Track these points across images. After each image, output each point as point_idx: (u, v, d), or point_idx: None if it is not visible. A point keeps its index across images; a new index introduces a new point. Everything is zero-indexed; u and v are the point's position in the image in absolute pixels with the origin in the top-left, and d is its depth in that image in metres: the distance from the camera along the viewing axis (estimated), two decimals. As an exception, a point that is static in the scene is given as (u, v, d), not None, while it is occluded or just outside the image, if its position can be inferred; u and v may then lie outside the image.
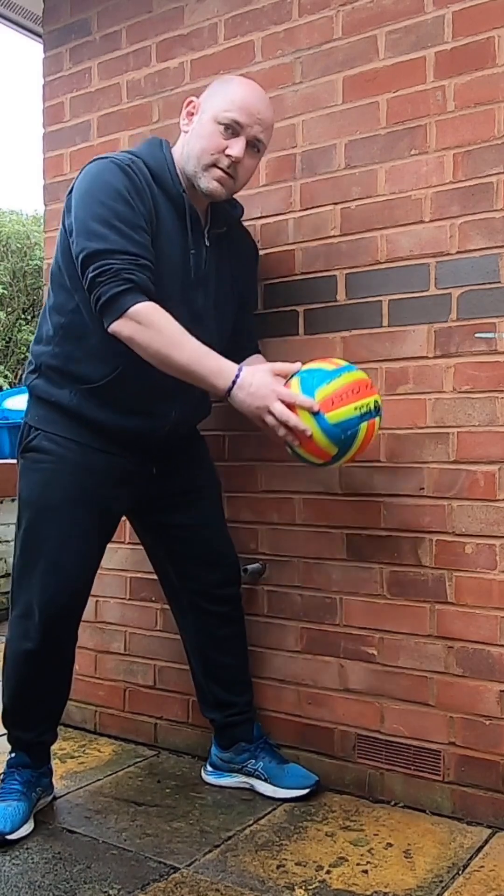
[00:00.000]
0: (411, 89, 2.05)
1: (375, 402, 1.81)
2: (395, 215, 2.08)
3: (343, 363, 1.85)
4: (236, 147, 1.87)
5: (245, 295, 2.14)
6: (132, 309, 1.76)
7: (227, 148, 1.87)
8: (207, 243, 1.98)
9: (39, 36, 2.85)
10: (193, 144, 1.91)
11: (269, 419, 1.76)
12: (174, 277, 1.89)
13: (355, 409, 1.76)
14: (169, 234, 1.90)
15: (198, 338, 1.81)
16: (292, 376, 1.81)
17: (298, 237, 2.21)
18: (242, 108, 1.87)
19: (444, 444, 2.02)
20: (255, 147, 1.91)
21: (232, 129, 1.87)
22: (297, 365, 1.83)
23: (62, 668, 2.06)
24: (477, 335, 1.97)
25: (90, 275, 1.78)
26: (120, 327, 1.78)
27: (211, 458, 2.24)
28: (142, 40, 2.50)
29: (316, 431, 1.75)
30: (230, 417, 2.33)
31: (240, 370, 1.78)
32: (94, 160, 1.91)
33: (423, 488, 2.04)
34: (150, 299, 1.79)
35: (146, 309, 1.77)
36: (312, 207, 2.20)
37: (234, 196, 2.01)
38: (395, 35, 2.07)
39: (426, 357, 2.04)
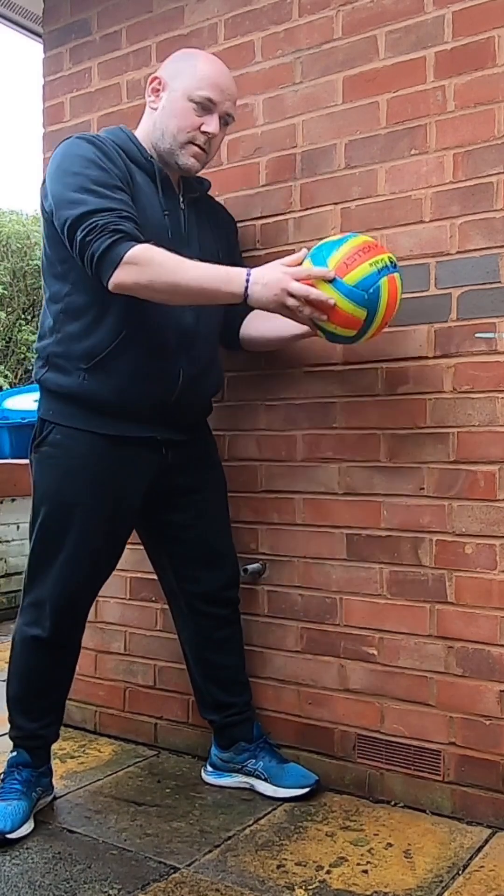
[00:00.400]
0: (411, 89, 2.05)
1: (389, 258, 1.81)
2: (395, 215, 2.08)
3: (349, 232, 1.87)
4: (212, 124, 1.95)
5: (231, 260, 2.14)
6: (127, 255, 1.78)
7: (202, 125, 1.94)
8: (183, 206, 2.03)
9: (39, 36, 2.85)
10: (167, 122, 1.97)
11: (290, 301, 1.76)
12: (157, 237, 1.91)
13: (370, 265, 1.76)
14: (145, 197, 1.95)
15: None
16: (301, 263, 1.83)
17: (298, 237, 2.21)
18: (214, 85, 1.94)
19: (444, 444, 2.02)
20: (225, 122, 2.00)
21: (205, 106, 1.94)
22: (304, 252, 1.84)
23: (68, 658, 2.08)
24: (477, 335, 1.97)
25: (78, 238, 1.81)
26: (121, 276, 1.79)
27: (219, 458, 2.24)
28: (142, 40, 2.51)
29: (339, 299, 1.76)
30: (231, 417, 2.33)
31: (249, 271, 1.80)
32: (61, 141, 1.96)
33: (423, 488, 2.04)
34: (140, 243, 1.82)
35: (140, 250, 1.79)
36: (312, 207, 2.20)
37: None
38: (395, 35, 2.07)
39: (426, 357, 2.04)
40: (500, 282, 1.94)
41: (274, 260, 1.82)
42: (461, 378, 1.99)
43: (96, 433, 1.95)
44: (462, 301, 1.99)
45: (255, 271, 1.80)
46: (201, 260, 1.99)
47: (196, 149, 1.96)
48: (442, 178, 2.01)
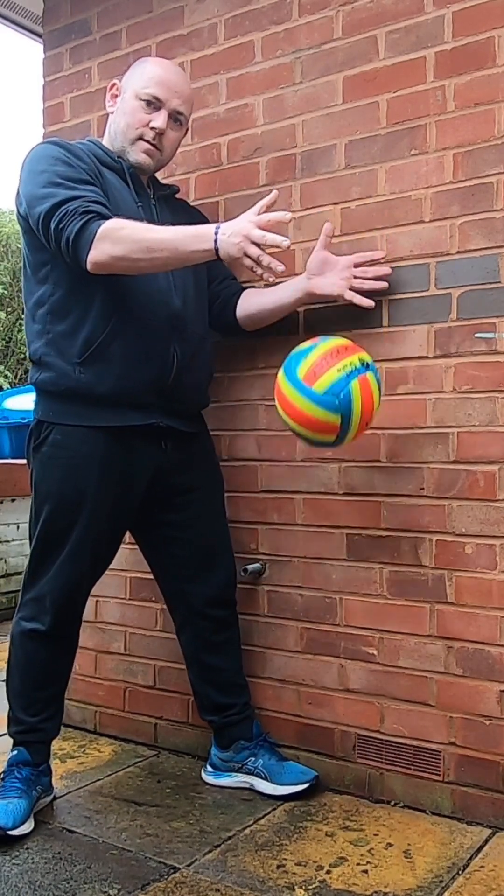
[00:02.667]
0: (411, 89, 2.05)
1: (360, 359, 1.82)
2: (395, 215, 2.08)
3: (320, 337, 1.89)
4: (159, 119, 2.01)
5: None
6: (99, 230, 1.81)
7: (150, 121, 2.01)
8: (154, 201, 2.09)
9: (39, 36, 2.85)
10: (119, 122, 2.06)
11: (252, 249, 1.79)
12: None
13: (338, 370, 1.78)
14: (116, 192, 2.00)
15: (172, 282, 1.99)
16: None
17: (298, 237, 2.21)
18: (160, 83, 2.01)
19: (444, 444, 2.02)
20: (176, 120, 2.05)
21: (152, 103, 2.01)
22: (275, 193, 1.86)
23: (68, 651, 2.10)
24: (477, 335, 1.97)
25: (52, 227, 1.84)
26: (97, 254, 1.82)
27: (216, 458, 2.25)
28: (142, 40, 2.50)
29: (311, 407, 1.79)
30: (231, 417, 2.33)
31: (218, 226, 1.83)
32: (31, 148, 2.01)
33: (423, 488, 2.04)
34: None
35: (111, 223, 1.83)
36: (312, 207, 2.20)
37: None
38: (395, 35, 2.07)
39: (426, 357, 2.04)
40: (500, 282, 1.94)
41: (273, 260, 1.82)
42: (461, 378, 1.99)
43: (96, 428, 1.96)
44: (462, 301, 1.99)
45: (224, 225, 1.83)
46: None
47: (146, 144, 2.02)
48: (442, 178, 2.01)
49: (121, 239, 1.81)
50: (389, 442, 2.09)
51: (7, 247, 12.45)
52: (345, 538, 2.16)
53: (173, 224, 2.05)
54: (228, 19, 2.34)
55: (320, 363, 1.79)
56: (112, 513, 2.02)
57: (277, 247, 1.77)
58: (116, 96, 2.08)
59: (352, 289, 2.04)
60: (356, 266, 2.06)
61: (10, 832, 1.88)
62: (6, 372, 11.89)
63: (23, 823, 1.92)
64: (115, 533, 2.09)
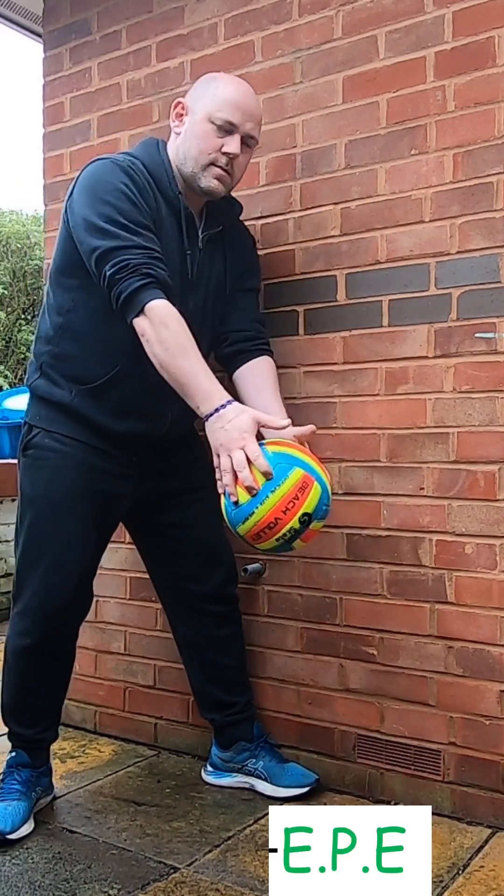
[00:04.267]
0: (411, 89, 2.05)
1: (301, 517, 1.75)
2: (395, 215, 2.08)
3: (270, 481, 1.75)
4: (233, 144, 1.91)
5: (243, 282, 2.12)
6: (148, 306, 1.78)
7: (223, 146, 1.91)
8: (201, 245, 2.00)
9: (39, 36, 2.85)
10: (190, 146, 1.94)
11: (225, 461, 1.76)
12: (174, 278, 1.90)
13: (277, 540, 1.77)
14: (168, 235, 1.92)
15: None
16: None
17: (298, 237, 2.21)
18: (234, 106, 1.91)
19: (444, 444, 2.02)
20: (247, 144, 1.96)
21: (226, 128, 1.90)
22: (286, 422, 1.84)
23: (61, 665, 2.07)
24: (477, 335, 1.97)
25: (107, 272, 1.79)
26: (137, 322, 1.79)
27: (209, 455, 2.24)
28: (142, 40, 2.50)
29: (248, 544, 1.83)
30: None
31: (228, 402, 1.79)
32: (94, 161, 1.94)
33: (423, 488, 2.04)
34: (168, 293, 1.81)
35: (162, 308, 1.79)
36: (312, 207, 2.20)
37: (232, 194, 2.04)
38: (395, 35, 2.07)
39: (426, 357, 2.04)
40: (500, 282, 1.94)
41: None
42: (461, 378, 1.99)
43: (81, 441, 1.96)
44: (462, 301, 1.99)
45: (229, 409, 1.77)
46: (204, 301, 2.00)
47: (218, 170, 1.92)
48: (442, 178, 2.01)
49: (158, 334, 1.77)
50: (389, 442, 2.09)
51: (7, 247, 12.44)
52: (345, 538, 2.16)
53: (210, 270, 2.01)
54: (228, 19, 2.34)
55: (258, 532, 1.76)
56: (97, 519, 2.00)
57: (248, 488, 1.73)
58: (182, 115, 1.97)
59: None
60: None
61: (9, 836, 1.88)
62: (6, 372, 11.88)
63: (22, 825, 1.92)
64: (99, 541, 2.06)
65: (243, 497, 1.75)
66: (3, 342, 12.00)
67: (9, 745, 2.08)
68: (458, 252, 1.99)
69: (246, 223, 2.21)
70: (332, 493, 2.16)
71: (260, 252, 2.26)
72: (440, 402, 2.02)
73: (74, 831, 1.96)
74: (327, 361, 2.17)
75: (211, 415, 1.78)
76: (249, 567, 2.26)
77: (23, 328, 11.92)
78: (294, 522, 1.75)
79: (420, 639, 2.05)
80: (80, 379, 1.94)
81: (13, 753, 2.05)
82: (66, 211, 1.93)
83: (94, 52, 2.61)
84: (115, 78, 2.56)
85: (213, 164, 1.92)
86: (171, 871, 1.78)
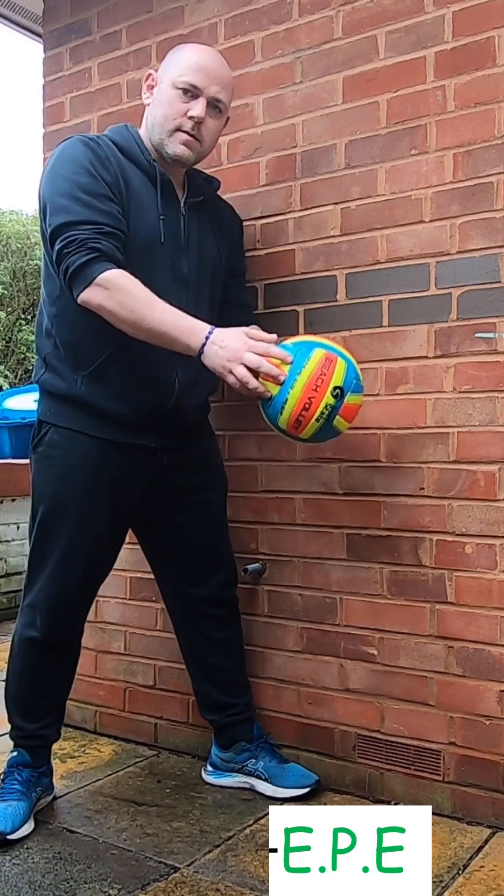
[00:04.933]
0: (411, 89, 2.05)
1: (333, 391, 1.77)
2: (395, 215, 2.08)
3: (293, 366, 1.78)
4: (197, 107, 1.91)
5: (233, 264, 2.14)
6: (100, 277, 1.78)
7: (188, 110, 1.91)
8: (184, 212, 2.00)
9: (39, 36, 2.85)
10: (156, 113, 1.96)
11: (240, 370, 1.76)
12: (151, 243, 1.91)
13: (317, 420, 1.77)
14: (142, 202, 1.93)
15: (187, 302, 1.89)
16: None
17: (298, 237, 2.21)
18: (197, 70, 1.91)
19: (444, 444, 2.02)
20: (216, 108, 1.95)
21: (190, 91, 1.91)
22: (273, 336, 1.84)
23: (66, 659, 2.08)
24: (477, 335, 1.97)
25: (57, 247, 1.81)
26: (88, 296, 1.79)
27: (220, 457, 2.24)
28: (142, 40, 2.50)
29: (305, 443, 1.84)
30: (231, 417, 2.33)
31: (212, 329, 1.80)
32: (62, 141, 1.95)
33: (423, 488, 2.04)
34: (119, 267, 1.80)
35: (114, 275, 1.79)
36: (312, 207, 2.20)
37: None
38: (395, 35, 2.07)
39: (426, 357, 2.04)
40: (500, 282, 1.94)
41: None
42: (461, 378, 1.99)
43: (93, 436, 1.95)
44: (462, 301, 1.99)
45: (217, 332, 1.79)
46: (199, 267, 1.99)
47: (184, 136, 1.92)
48: (442, 178, 2.01)
49: (116, 299, 1.78)
50: (389, 442, 2.09)
51: (7, 247, 12.45)
52: (345, 538, 2.16)
53: (199, 237, 2.02)
54: (228, 19, 2.34)
55: (297, 416, 1.77)
56: (108, 515, 2.00)
57: (274, 379, 1.75)
58: (153, 87, 1.97)
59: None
60: None
61: (9, 836, 1.88)
62: (6, 372, 11.89)
63: (22, 825, 1.92)
64: (112, 536, 2.06)
65: (273, 388, 1.77)
66: (3, 342, 12.00)
67: (9, 745, 2.08)
68: (458, 252, 1.99)
69: (246, 223, 2.22)
70: (333, 494, 2.17)
71: (260, 252, 2.26)
72: (440, 402, 2.02)
73: (74, 831, 1.96)
74: (327, 361, 2.17)
75: (203, 345, 1.78)
76: (249, 567, 2.26)
77: (23, 328, 11.92)
78: (327, 398, 1.77)
79: (420, 639, 2.05)
80: (83, 363, 1.93)
81: (14, 753, 2.05)
82: (38, 197, 1.95)
83: (94, 52, 2.61)
84: (115, 78, 2.56)
85: (179, 129, 1.92)
86: (172, 871, 1.78)
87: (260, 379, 1.77)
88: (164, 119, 1.93)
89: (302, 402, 1.76)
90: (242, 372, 1.76)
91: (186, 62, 1.92)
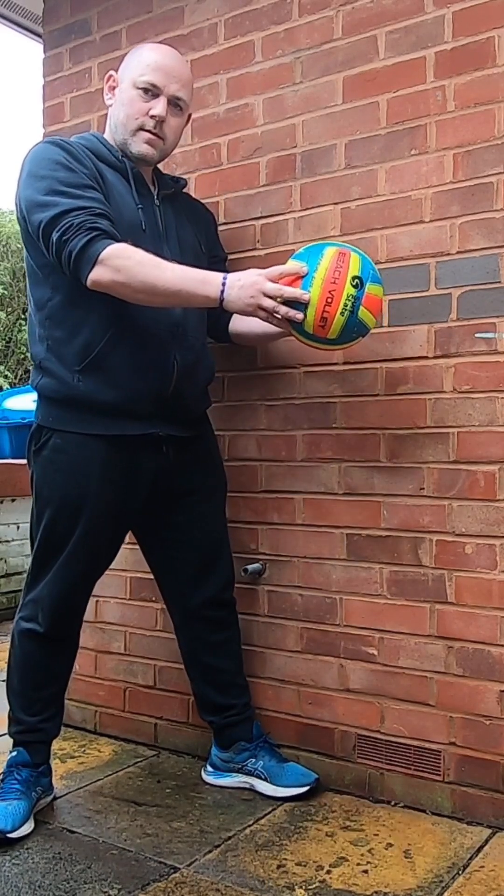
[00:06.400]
0: (411, 89, 2.05)
1: (352, 280, 1.78)
2: (395, 215, 2.08)
3: (308, 268, 1.80)
4: (158, 106, 1.95)
5: (214, 251, 2.18)
6: (104, 253, 1.79)
7: (150, 110, 1.95)
8: (158, 202, 2.04)
9: (39, 36, 2.85)
10: (118, 113, 2.00)
11: (266, 302, 1.78)
12: (133, 232, 1.92)
13: (341, 314, 1.78)
14: (117, 193, 1.96)
15: None
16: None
17: (298, 237, 2.21)
18: (157, 69, 1.95)
19: (444, 444, 2.02)
20: (176, 105, 1.99)
21: (151, 91, 1.95)
22: (295, 266, 1.83)
23: (66, 650, 2.10)
24: (477, 335, 1.97)
25: (54, 239, 1.82)
26: (98, 275, 1.80)
27: (220, 458, 2.24)
28: (142, 40, 2.50)
29: (334, 347, 1.86)
30: (231, 417, 2.33)
31: (226, 275, 1.83)
32: (30, 149, 1.98)
33: (423, 488, 2.04)
34: (117, 241, 1.82)
35: (118, 248, 1.80)
36: (312, 207, 2.20)
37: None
38: (395, 35, 2.07)
39: (426, 357, 2.04)
40: (500, 282, 1.94)
41: (274, 260, 1.83)
42: (461, 378, 1.99)
43: (96, 436, 1.95)
44: (462, 301, 1.99)
45: (231, 275, 1.82)
46: (181, 254, 2.01)
47: (147, 134, 1.96)
48: (442, 178, 2.01)
49: (126, 268, 1.79)
50: (389, 442, 2.09)
51: (7, 247, 12.45)
52: (345, 538, 2.16)
53: (176, 225, 2.05)
54: (228, 19, 2.34)
55: (322, 312, 1.77)
56: (113, 516, 2.01)
57: (297, 300, 1.76)
58: (114, 88, 2.02)
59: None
60: None
61: (9, 835, 1.88)
62: (6, 372, 11.89)
63: (22, 825, 1.92)
64: (115, 536, 2.09)
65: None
66: (3, 342, 12.01)
67: (9, 745, 2.08)
68: (458, 252, 1.99)
69: (246, 223, 2.22)
70: (333, 494, 2.17)
71: (260, 252, 2.26)
72: (440, 402, 2.02)
73: (74, 831, 1.96)
74: (327, 361, 2.17)
75: (222, 291, 1.80)
76: (249, 567, 2.26)
77: (23, 328, 11.93)
78: (347, 288, 1.77)
79: (420, 639, 2.05)
80: (79, 358, 1.93)
81: (14, 753, 2.05)
82: (16, 206, 1.97)
83: (94, 52, 2.61)
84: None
85: (141, 128, 1.97)
86: (171, 871, 1.78)
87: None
88: (127, 119, 1.98)
89: (323, 297, 1.77)
90: (269, 303, 1.78)
91: (145, 62, 1.97)
